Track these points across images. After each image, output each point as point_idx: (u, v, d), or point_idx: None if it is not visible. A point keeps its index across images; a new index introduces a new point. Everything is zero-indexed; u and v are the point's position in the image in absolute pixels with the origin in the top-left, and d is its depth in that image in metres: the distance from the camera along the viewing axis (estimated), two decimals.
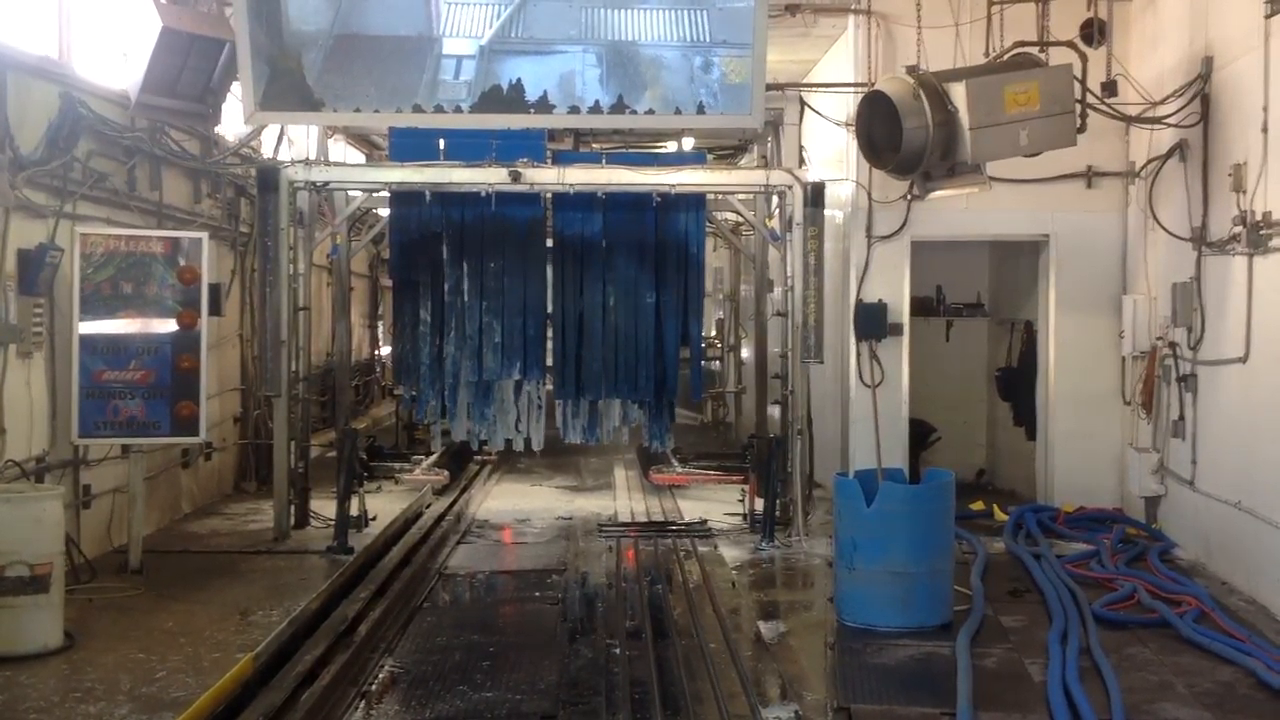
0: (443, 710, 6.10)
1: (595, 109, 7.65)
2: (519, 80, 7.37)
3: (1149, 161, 10.54)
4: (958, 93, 8.84)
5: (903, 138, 9.01)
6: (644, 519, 11.62)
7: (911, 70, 9.34)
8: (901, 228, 11.68)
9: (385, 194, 11.22)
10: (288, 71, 7.28)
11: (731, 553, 9.93)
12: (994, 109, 8.84)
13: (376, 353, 20.35)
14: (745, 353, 16.94)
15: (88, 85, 9.06)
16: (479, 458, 14.50)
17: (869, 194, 11.59)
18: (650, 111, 7.87)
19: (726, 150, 14.05)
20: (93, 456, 9.13)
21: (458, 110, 7.49)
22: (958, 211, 11.42)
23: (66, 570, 7.30)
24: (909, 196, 11.44)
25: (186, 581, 8.47)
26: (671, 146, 13.16)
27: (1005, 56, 9.74)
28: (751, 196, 11.88)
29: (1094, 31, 10.65)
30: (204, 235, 9.07)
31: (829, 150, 12.47)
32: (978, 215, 11.58)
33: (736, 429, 17.43)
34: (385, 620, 7.78)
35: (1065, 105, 9.08)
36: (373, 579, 8.91)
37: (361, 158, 14.39)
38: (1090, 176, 11.56)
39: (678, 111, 7.81)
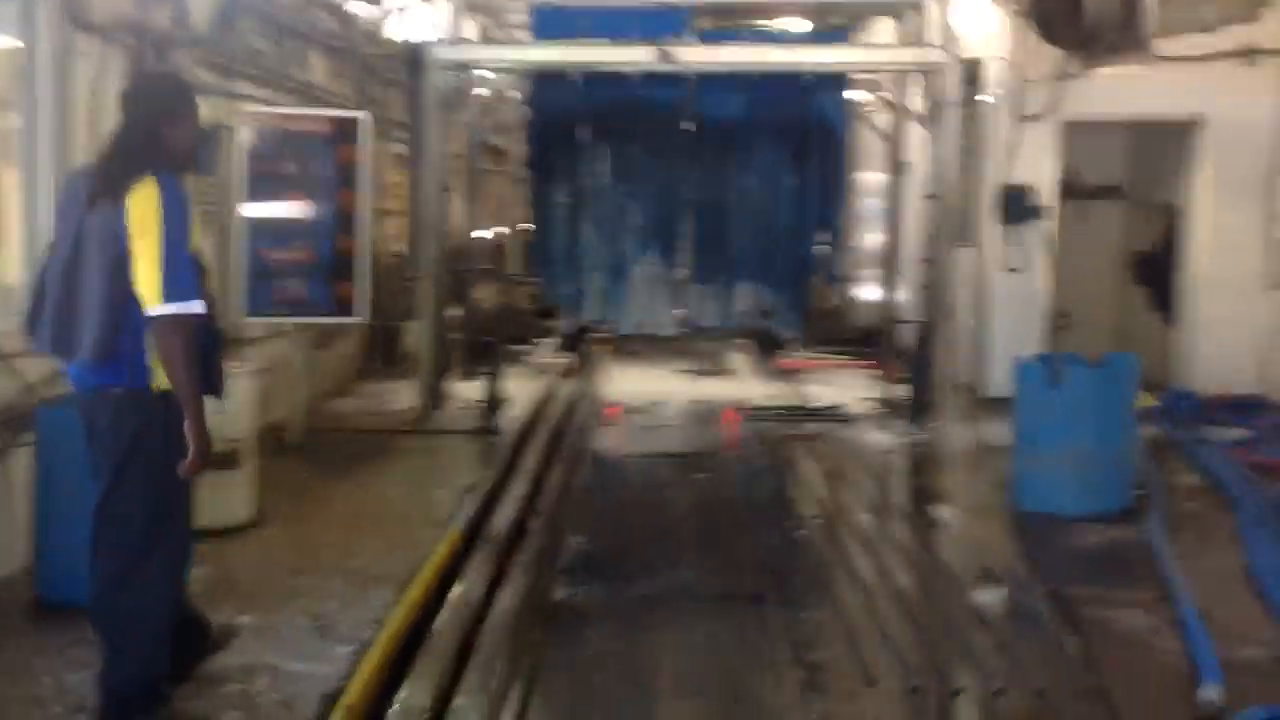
0: (648, 588, 6.11)
1: None
2: None
3: None
4: None
5: (1083, 11, 8.72)
6: (778, 403, 11.56)
7: None
8: (1050, 108, 11.38)
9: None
10: None
11: (882, 438, 9.88)
12: None
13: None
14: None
15: None
16: (591, 341, 14.45)
17: (1017, 73, 11.27)
18: None
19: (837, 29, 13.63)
20: (250, 335, 9.20)
21: None
22: (1107, 91, 11.09)
23: None
24: (1060, 76, 11.15)
25: (348, 459, 8.56)
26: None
27: None
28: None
29: None
30: (364, 114, 9.00)
31: (969, 27, 12.10)
32: (1128, 95, 11.23)
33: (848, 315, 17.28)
34: (562, 500, 7.81)
35: None
36: (528, 458, 8.94)
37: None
38: (1251, 54, 11.17)
39: None
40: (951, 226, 10.31)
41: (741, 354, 15.01)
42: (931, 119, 10.94)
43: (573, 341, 13.19)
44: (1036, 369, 7.55)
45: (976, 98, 10.15)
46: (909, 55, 10.69)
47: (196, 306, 4.13)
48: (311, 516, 7.10)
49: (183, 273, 4.10)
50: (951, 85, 10.20)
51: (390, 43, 11.78)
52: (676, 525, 7.41)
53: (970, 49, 10.85)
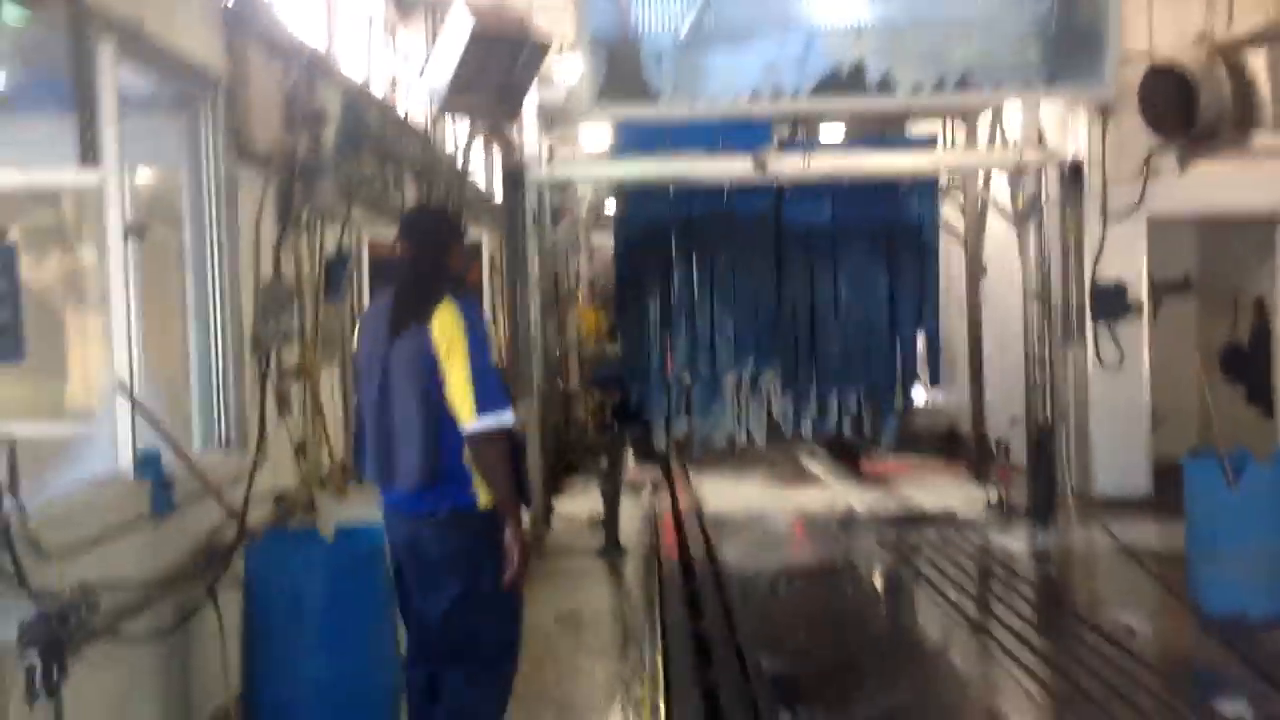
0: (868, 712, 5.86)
1: (940, 86, 7.36)
2: (861, 60, 7.14)
3: None
4: (1256, 61, 8.56)
5: (1197, 109, 8.74)
6: (880, 511, 11.34)
7: (1202, 37, 9.06)
8: (1137, 205, 11.38)
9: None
10: (625, 63, 7.08)
11: (1010, 543, 9.67)
12: None
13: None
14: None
15: (354, 85, 8.94)
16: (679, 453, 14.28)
17: (1103, 170, 11.28)
18: (999, 86, 7.61)
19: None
20: None
21: (795, 94, 7.25)
22: (1193, 188, 11.09)
23: None
24: (1144, 173, 11.20)
25: None
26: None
27: None
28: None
29: None
30: (484, 235, 8.92)
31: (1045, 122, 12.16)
32: (1212, 191, 11.22)
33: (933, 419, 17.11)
34: (728, 619, 7.55)
35: None
36: (670, 578, 8.69)
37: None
38: None
39: (1026, 84, 7.55)
40: (1058, 326, 10.23)
41: (827, 460, 14.82)
42: (1024, 219, 10.92)
43: (661, 454, 12.98)
44: (1210, 466, 7.37)
45: (1079, 196, 10.13)
46: (1005, 157, 10.68)
47: (509, 417, 4.27)
48: None
49: (493, 385, 4.26)
50: (1053, 184, 10.20)
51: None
52: (851, 645, 7.17)
53: (1056, 148, 10.86)
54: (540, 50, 7.83)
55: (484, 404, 4.18)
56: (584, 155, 13.97)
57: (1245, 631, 6.89)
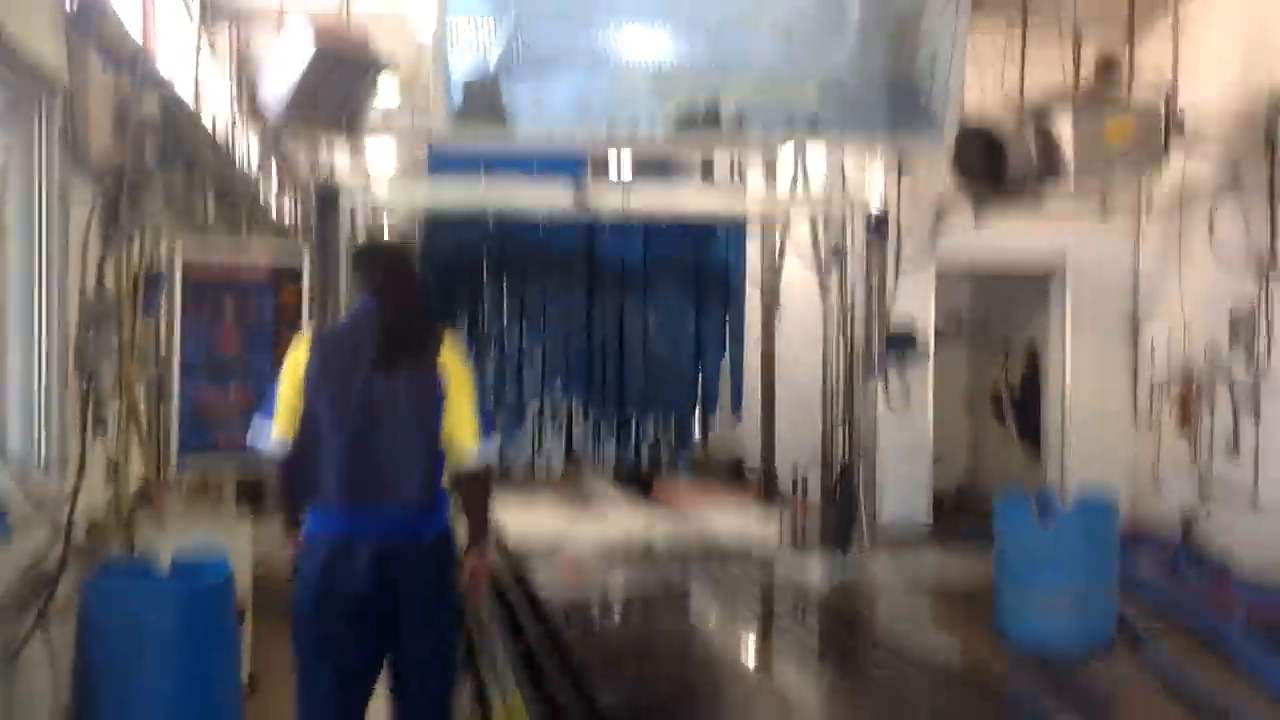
0: None
1: (790, 126, 7.50)
2: (715, 99, 7.22)
3: (1179, 193, 11.02)
4: (1064, 122, 9.08)
5: (1005, 169, 9.21)
6: (677, 541, 11.44)
7: (1009, 99, 9.56)
8: (927, 254, 11.95)
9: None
10: (480, 90, 6.96)
11: (811, 575, 9.89)
12: (1096, 143, 9.10)
13: None
14: None
15: (174, 93, 8.56)
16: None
17: (897, 220, 11.75)
18: (843, 132, 7.82)
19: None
20: None
21: (652, 130, 7.28)
22: (976, 240, 11.69)
23: None
24: (935, 224, 11.82)
25: None
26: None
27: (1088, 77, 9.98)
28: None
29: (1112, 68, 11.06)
30: (304, 253, 8.65)
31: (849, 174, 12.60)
32: (995, 243, 11.85)
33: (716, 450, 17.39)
34: (558, 648, 7.48)
35: (1154, 138, 9.41)
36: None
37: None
38: (1105, 208, 12.02)
39: (869, 133, 7.79)
40: (863, 365, 10.58)
41: (621, 488, 14.86)
42: (828, 263, 11.29)
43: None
44: (1024, 508, 7.76)
45: (884, 243, 10.53)
46: (813, 203, 11.00)
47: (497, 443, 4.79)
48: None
49: (486, 415, 4.73)
50: (858, 231, 10.57)
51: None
52: (680, 678, 7.20)
53: (861, 196, 11.26)
54: (379, 69, 7.66)
55: (484, 432, 4.66)
56: (379, 174, 13.75)
57: (1050, 665, 7.26)
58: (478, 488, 4.72)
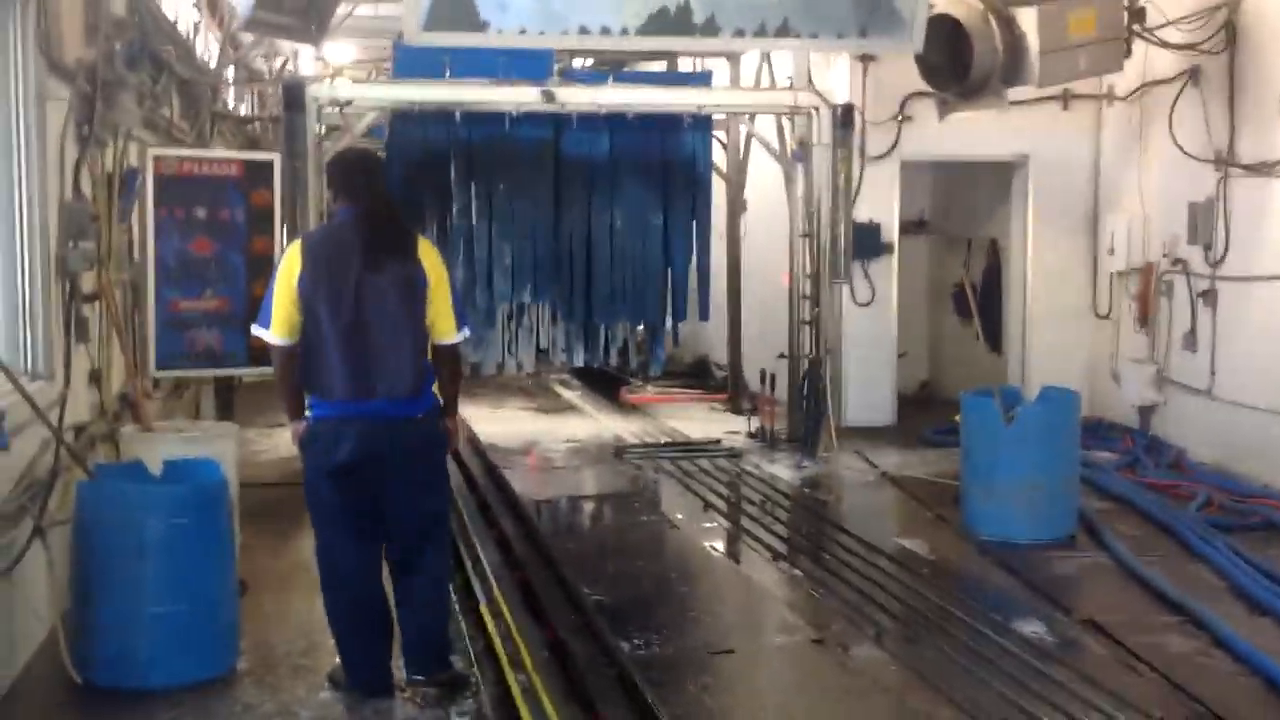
0: (688, 643, 6.05)
1: (761, 32, 7.53)
2: (686, 3, 7.21)
3: (1140, 86, 11.11)
4: (1027, 18, 9.13)
5: (972, 62, 9.26)
6: (648, 440, 11.66)
7: None
8: (893, 148, 12.03)
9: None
10: None
11: (781, 471, 10.12)
12: (1059, 34, 9.17)
13: None
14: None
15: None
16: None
17: (862, 115, 11.79)
18: (814, 36, 7.84)
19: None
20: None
21: (624, 33, 7.28)
22: (940, 134, 11.74)
23: None
24: (899, 118, 11.89)
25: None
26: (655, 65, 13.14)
27: None
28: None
29: None
30: (275, 156, 8.62)
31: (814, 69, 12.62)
32: (959, 137, 11.91)
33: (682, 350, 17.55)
34: (537, 543, 7.67)
35: (1117, 32, 9.48)
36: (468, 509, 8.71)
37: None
38: (1067, 99, 12.10)
39: (840, 36, 7.81)
40: (828, 264, 10.72)
41: (569, 390, 15.07)
42: (797, 159, 11.36)
43: None
44: (988, 404, 7.94)
45: (851, 139, 10.62)
46: (783, 98, 11.02)
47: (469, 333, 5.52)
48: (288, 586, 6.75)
49: (459, 306, 5.24)
50: (825, 127, 10.63)
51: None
52: (658, 572, 7.42)
53: (827, 91, 11.30)
54: None
55: (460, 319, 5.21)
56: (337, 69, 13.72)
57: (1017, 554, 7.50)
58: (454, 364, 5.31)
